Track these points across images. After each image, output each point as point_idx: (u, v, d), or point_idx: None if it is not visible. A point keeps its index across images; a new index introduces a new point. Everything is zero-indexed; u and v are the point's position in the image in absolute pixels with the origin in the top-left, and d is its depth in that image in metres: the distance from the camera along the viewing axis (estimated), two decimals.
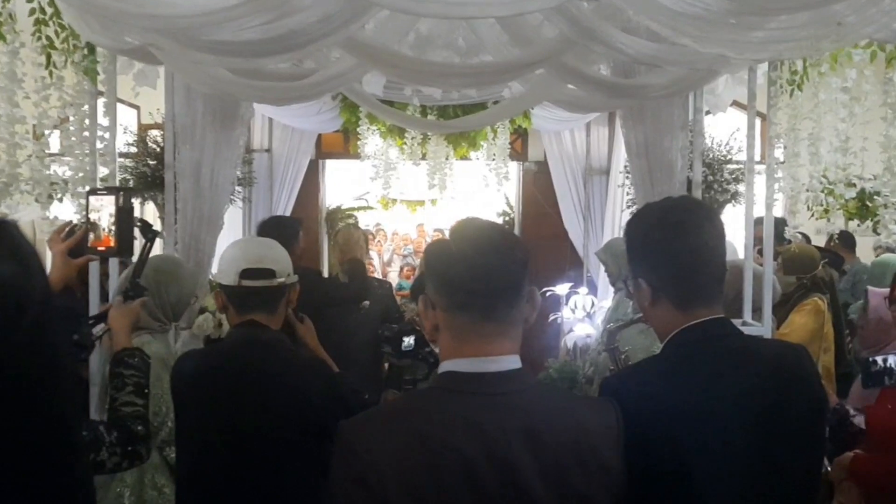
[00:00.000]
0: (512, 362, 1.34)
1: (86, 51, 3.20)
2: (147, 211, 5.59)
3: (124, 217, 2.32)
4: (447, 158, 6.56)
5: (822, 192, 3.53)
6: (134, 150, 5.28)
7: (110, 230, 2.32)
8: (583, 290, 6.56)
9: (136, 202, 4.55)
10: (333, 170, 7.83)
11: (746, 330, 2.83)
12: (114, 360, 2.14)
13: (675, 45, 2.31)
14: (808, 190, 3.48)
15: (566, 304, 6.46)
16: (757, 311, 3.47)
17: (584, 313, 6.31)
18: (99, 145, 3.28)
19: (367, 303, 4.34)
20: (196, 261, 3.53)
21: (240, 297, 2.14)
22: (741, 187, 5.16)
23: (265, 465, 2.04)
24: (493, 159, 6.56)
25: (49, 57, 3.13)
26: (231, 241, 2.37)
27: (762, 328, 3.39)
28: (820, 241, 5.42)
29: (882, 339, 3.32)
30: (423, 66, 3.03)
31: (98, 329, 2.30)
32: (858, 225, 5.35)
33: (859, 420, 2.79)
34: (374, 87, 4.48)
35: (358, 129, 6.19)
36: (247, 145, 6.56)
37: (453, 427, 1.27)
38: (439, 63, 3.23)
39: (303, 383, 2.08)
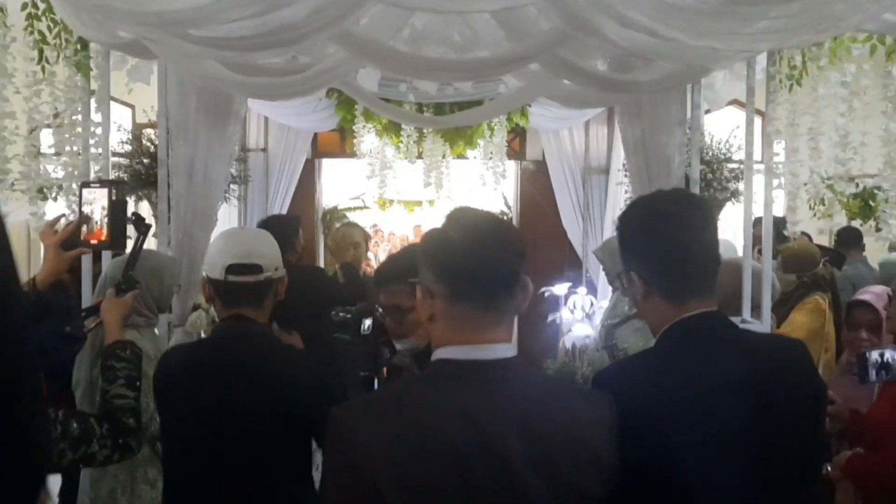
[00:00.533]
0: (506, 350, 1.35)
1: (78, 46, 3.18)
2: (141, 209, 5.57)
3: (117, 210, 2.32)
4: (444, 157, 6.53)
5: (823, 185, 3.50)
6: (128, 147, 5.25)
7: (103, 223, 2.32)
8: (582, 290, 6.53)
9: (130, 200, 4.52)
10: (330, 169, 7.80)
11: (745, 328, 2.81)
12: (105, 353, 2.14)
13: (670, 38, 2.29)
14: (806, 183, 3.45)
15: (565, 304, 6.43)
16: (756, 310, 3.44)
17: (582, 314, 6.29)
18: (91, 141, 3.26)
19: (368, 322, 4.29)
20: (189, 257, 3.51)
21: (226, 291, 2.13)
22: (741, 185, 5.14)
23: (250, 459, 2.03)
24: (491, 158, 6.54)
25: (41, 52, 3.11)
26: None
27: (761, 326, 3.36)
28: (823, 241, 5.40)
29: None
30: (416, 61, 3.01)
31: (89, 322, 2.29)
32: (861, 225, 5.34)
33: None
34: (368, 83, 4.45)
35: (354, 127, 6.16)
36: (242, 144, 6.54)
37: (446, 415, 1.27)
38: (433, 57, 3.22)
39: (289, 377, 2.06)
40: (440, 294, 1.35)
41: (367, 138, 6.37)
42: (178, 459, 2.11)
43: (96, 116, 3.31)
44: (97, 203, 2.32)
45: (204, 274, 2.19)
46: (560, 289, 6.45)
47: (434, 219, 11.83)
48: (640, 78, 3.15)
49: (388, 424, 1.27)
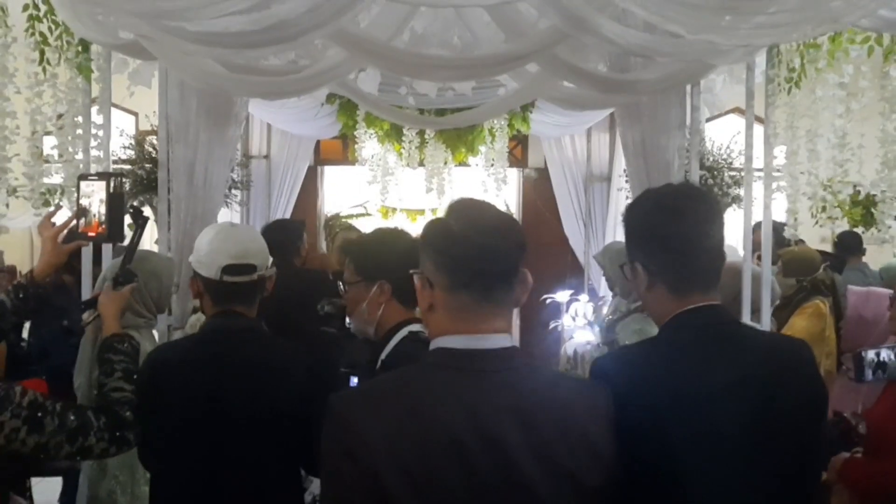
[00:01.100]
0: (504, 340, 1.35)
1: (79, 48, 3.20)
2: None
3: (115, 203, 2.32)
4: (445, 164, 6.54)
5: (822, 189, 3.49)
6: (131, 153, 5.27)
7: (101, 216, 2.32)
8: (583, 297, 6.52)
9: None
10: (332, 176, 7.83)
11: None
12: (103, 346, 2.14)
13: (668, 35, 2.30)
14: (807, 185, 3.45)
15: (566, 311, 6.41)
16: (755, 313, 3.43)
17: (584, 321, 6.26)
18: (93, 143, 3.27)
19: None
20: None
21: (219, 290, 2.13)
22: (742, 191, 5.13)
23: (248, 450, 2.03)
24: (492, 164, 6.55)
25: (42, 53, 3.13)
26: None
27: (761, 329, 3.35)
28: (826, 248, 5.38)
29: (861, 337, 3.25)
30: (415, 59, 3.02)
31: (87, 315, 2.29)
32: (863, 232, 5.32)
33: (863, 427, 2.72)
34: (368, 86, 4.47)
35: (355, 133, 6.18)
36: (245, 151, 6.57)
37: (444, 403, 1.28)
38: (432, 56, 3.23)
39: (287, 367, 2.07)
40: (440, 284, 1.36)
41: (369, 144, 6.39)
42: (172, 451, 2.09)
43: (98, 119, 3.32)
44: (95, 196, 2.33)
45: (193, 269, 2.18)
46: (562, 296, 6.44)
47: None
48: (639, 77, 3.16)
49: (387, 413, 1.28)
